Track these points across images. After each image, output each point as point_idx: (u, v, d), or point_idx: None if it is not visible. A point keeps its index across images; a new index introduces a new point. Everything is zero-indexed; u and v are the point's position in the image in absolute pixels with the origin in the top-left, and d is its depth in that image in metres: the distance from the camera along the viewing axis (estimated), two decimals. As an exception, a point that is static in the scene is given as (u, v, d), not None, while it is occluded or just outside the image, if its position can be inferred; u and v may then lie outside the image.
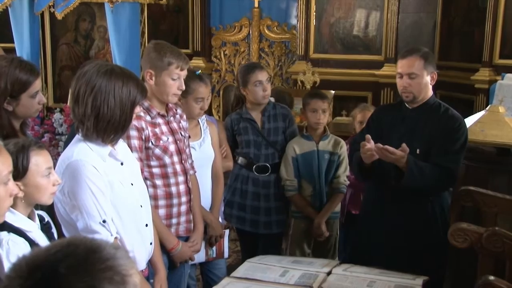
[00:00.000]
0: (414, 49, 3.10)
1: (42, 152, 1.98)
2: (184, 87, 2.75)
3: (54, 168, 2.17)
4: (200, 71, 3.21)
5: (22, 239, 1.87)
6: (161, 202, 2.76)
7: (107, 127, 2.17)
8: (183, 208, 2.83)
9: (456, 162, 3.01)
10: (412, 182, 2.91)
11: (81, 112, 2.17)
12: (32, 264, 0.99)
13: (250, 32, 7.32)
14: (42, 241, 1.97)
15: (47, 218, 2.12)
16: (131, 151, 2.59)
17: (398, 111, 3.20)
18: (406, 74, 3.03)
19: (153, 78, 2.70)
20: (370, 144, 2.90)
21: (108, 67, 2.20)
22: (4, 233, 1.83)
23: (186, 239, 2.89)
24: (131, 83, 2.21)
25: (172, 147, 2.76)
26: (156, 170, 2.74)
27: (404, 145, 2.85)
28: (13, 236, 1.84)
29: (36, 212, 2.06)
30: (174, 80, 2.70)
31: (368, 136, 2.93)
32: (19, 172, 1.89)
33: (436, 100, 3.14)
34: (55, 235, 2.14)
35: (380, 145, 2.87)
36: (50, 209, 2.26)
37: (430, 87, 3.09)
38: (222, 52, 7.48)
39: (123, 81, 2.18)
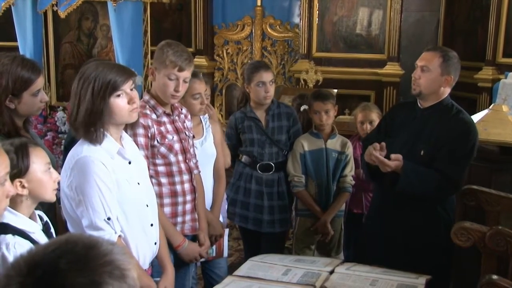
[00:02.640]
0: (441, 47, 3.08)
1: (38, 148, 1.99)
2: (180, 89, 2.71)
3: (63, 165, 2.18)
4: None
5: (27, 242, 1.86)
6: (166, 200, 2.76)
7: (83, 121, 2.16)
8: (188, 206, 2.83)
9: (459, 170, 2.93)
10: (408, 187, 2.87)
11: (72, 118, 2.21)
12: (32, 262, 0.99)
13: (253, 30, 7.31)
14: (44, 241, 1.96)
15: (45, 218, 2.12)
16: (138, 148, 2.59)
17: (411, 110, 3.14)
18: (420, 66, 2.99)
19: (154, 75, 2.72)
20: (376, 152, 2.87)
21: (86, 64, 2.23)
22: (9, 236, 1.83)
23: (192, 237, 2.89)
24: (105, 71, 2.17)
25: (177, 146, 2.76)
26: (161, 168, 2.74)
27: (394, 156, 2.84)
28: (18, 239, 1.84)
29: (37, 212, 2.07)
30: (171, 80, 2.68)
31: (383, 145, 2.88)
32: (21, 169, 1.89)
33: (450, 101, 3.05)
34: (54, 235, 2.13)
35: (378, 155, 2.84)
36: (48, 210, 2.26)
37: (444, 89, 3.00)
38: (224, 51, 7.48)
39: (96, 71, 2.17)
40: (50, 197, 2.02)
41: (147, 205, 2.37)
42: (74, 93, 2.19)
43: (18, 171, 1.88)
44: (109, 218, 2.17)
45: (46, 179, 1.97)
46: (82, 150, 2.18)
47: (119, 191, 2.22)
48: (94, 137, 2.19)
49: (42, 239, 1.97)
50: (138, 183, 2.32)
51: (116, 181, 2.21)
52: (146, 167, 2.48)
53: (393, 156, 2.84)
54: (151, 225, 2.40)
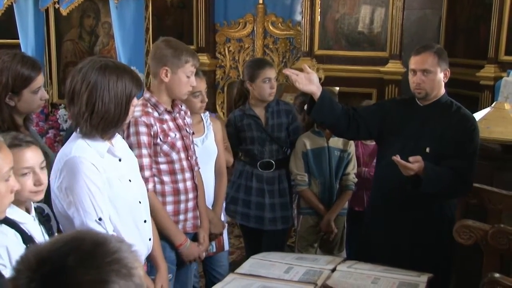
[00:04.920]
0: (428, 46, 3.06)
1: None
2: (195, 84, 2.78)
3: (52, 165, 2.17)
4: None
5: (13, 231, 1.87)
6: (169, 199, 2.76)
7: (100, 123, 2.17)
8: (190, 204, 2.83)
9: (471, 166, 2.95)
10: (430, 189, 2.85)
11: (76, 111, 2.17)
12: (40, 257, 1.00)
13: (255, 28, 7.29)
14: (38, 232, 1.98)
15: (47, 210, 2.12)
16: (141, 147, 2.59)
17: (409, 107, 3.14)
18: (420, 70, 2.98)
19: (169, 75, 2.70)
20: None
21: (102, 63, 2.19)
22: None
23: (194, 235, 2.89)
24: (126, 77, 2.20)
25: (179, 143, 2.76)
26: (163, 167, 2.74)
27: (413, 158, 2.79)
28: (4, 227, 1.85)
29: (37, 204, 2.07)
30: (188, 77, 2.72)
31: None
32: None
33: (448, 98, 3.07)
34: (54, 228, 2.14)
35: (400, 160, 2.80)
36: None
37: (443, 84, 3.03)
38: (226, 49, 7.46)
39: (118, 75, 2.18)
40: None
41: (139, 202, 2.38)
42: (88, 94, 2.15)
43: None
44: (100, 219, 2.16)
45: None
46: (70, 151, 2.17)
47: (111, 189, 2.22)
48: (109, 135, 2.24)
49: (35, 230, 1.97)
50: (130, 180, 2.32)
51: (108, 180, 2.20)
52: (136, 164, 2.48)
53: (412, 158, 2.80)
54: (144, 221, 2.40)
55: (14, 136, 1.96)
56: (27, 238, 1.89)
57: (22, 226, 1.91)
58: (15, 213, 1.92)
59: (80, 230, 1.10)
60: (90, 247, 1.02)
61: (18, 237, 1.86)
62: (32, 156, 1.95)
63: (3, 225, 1.84)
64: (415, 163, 2.79)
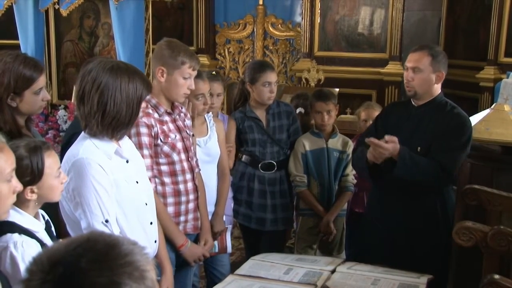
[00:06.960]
0: (426, 46, 3.08)
1: (51, 152, 1.97)
2: (194, 87, 2.76)
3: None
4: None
5: (34, 241, 1.87)
6: (170, 200, 2.76)
7: (112, 123, 2.16)
8: (191, 205, 2.83)
9: (453, 160, 2.96)
10: (405, 173, 2.88)
11: (87, 111, 2.16)
12: (54, 259, 1.00)
13: (255, 29, 7.31)
14: (47, 240, 1.97)
15: (46, 217, 2.12)
16: (142, 148, 2.59)
17: (405, 109, 3.17)
18: (411, 67, 3.03)
19: (164, 75, 2.70)
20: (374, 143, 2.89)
21: (113, 63, 2.20)
22: (16, 235, 1.83)
23: (195, 236, 2.89)
24: (137, 79, 2.20)
25: (179, 145, 2.76)
26: (164, 168, 2.74)
27: (388, 137, 2.83)
28: (25, 237, 1.84)
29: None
30: (185, 79, 2.71)
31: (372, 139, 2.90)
32: (35, 177, 1.89)
33: (444, 98, 3.10)
34: (55, 234, 2.14)
35: (373, 140, 2.84)
36: (49, 207, 2.26)
37: (437, 86, 3.05)
38: (226, 50, 7.48)
39: (129, 77, 2.18)
40: (58, 199, 2.04)
41: (146, 204, 2.37)
42: (100, 94, 2.14)
43: (31, 179, 1.87)
44: (106, 221, 2.16)
45: (56, 183, 1.97)
46: (78, 152, 2.16)
47: (118, 191, 2.21)
48: (119, 136, 2.24)
49: (45, 238, 1.97)
50: (137, 182, 2.32)
51: (115, 181, 2.19)
52: (143, 165, 2.48)
53: (387, 137, 2.84)
54: (151, 223, 2.40)
55: (38, 143, 1.99)
56: (43, 247, 1.89)
57: (36, 235, 1.91)
58: (29, 222, 1.91)
59: (93, 232, 1.10)
60: (103, 249, 1.02)
61: (38, 246, 1.87)
62: (55, 159, 1.99)
63: (24, 236, 1.84)
64: (390, 143, 2.82)
